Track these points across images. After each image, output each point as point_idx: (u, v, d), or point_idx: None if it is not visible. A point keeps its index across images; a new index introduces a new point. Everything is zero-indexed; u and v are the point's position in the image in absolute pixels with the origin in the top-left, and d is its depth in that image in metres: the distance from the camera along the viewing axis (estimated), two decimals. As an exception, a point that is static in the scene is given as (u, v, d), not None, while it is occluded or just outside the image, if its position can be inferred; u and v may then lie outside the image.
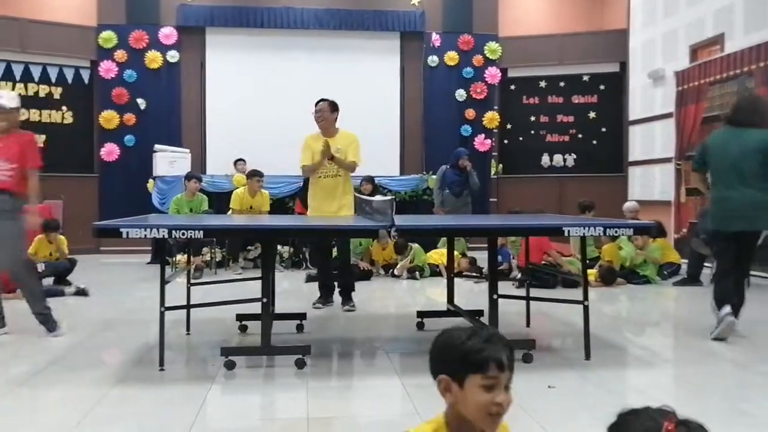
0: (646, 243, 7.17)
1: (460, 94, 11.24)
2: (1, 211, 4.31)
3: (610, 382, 3.46)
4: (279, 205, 8.70)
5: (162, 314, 3.59)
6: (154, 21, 10.75)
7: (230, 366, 3.60)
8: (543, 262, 6.77)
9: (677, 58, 9.13)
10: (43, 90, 10.31)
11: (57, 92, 10.43)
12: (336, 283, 5.78)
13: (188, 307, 4.39)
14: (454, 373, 1.43)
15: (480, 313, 4.56)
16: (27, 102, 10.14)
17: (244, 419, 2.99)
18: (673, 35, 9.28)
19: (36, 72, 10.25)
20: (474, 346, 1.42)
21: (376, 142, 10.78)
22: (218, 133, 10.91)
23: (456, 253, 7.63)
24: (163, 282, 3.62)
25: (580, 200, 7.83)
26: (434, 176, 8.55)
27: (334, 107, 5.45)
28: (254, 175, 7.97)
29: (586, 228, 3.67)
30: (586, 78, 11.23)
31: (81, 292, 6.22)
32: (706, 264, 7.01)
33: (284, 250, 8.38)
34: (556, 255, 6.99)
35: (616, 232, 3.91)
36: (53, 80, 10.38)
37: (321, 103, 5.48)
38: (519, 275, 6.68)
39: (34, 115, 10.19)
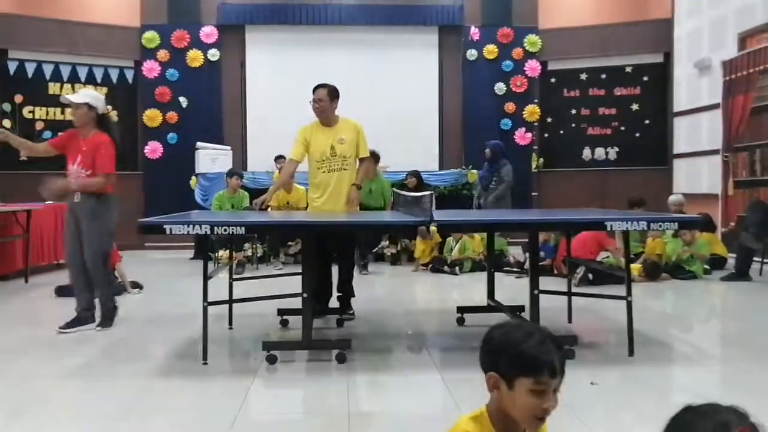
0: (695, 238, 6.98)
1: (500, 88, 11.12)
2: (85, 213, 4.50)
3: (654, 379, 3.39)
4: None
5: (205, 309, 3.65)
6: (195, 20, 10.93)
7: (272, 360, 3.65)
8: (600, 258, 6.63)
9: (725, 47, 8.86)
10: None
11: (102, 92, 10.65)
12: (337, 292, 4.99)
13: (230, 302, 4.46)
14: (504, 372, 1.42)
15: (521, 308, 4.52)
16: (74, 102, 10.44)
17: (286, 413, 3.03)
18: (721, 23, 9.01)
19: (82, 73, 10.52)
20: (529, 350, 1.39)
21: (415, 137, 10.82)
22: (259, 130, 11.02)
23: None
24: (206, 277, 3.68)
25: (630, 196, 7.57)
26: (474, 171, 8.53)
27: (333, 94, 4.85)
28: None
29: (629, 222, 3.60)
30: (628, 69, 11.00)
31: (136, 286, 6.36)
32: (755, 258, 6.80)
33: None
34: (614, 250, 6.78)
35: (660, 226, 3.81)
36: (99, 80, 10.64)
37: (319, 90, 4.84)
38: (586, 273, 6.43)
39: (81, 114, 10.46)
